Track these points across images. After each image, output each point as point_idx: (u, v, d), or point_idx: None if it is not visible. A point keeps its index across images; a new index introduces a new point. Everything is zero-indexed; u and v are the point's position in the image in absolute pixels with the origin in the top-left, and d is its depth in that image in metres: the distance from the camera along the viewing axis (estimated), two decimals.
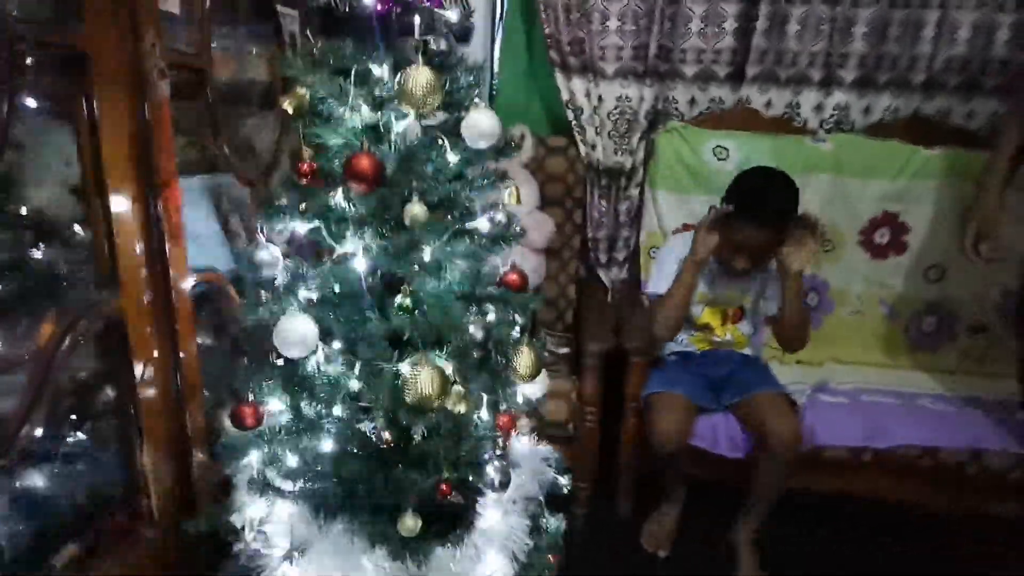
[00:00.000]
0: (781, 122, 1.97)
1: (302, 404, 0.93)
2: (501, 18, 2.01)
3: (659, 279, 1.60)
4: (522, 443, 1.12)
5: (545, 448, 1.17)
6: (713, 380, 1.60)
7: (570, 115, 1.98)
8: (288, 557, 0.85)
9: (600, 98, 1.97)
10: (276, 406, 0.96)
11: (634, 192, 2.04)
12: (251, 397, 0.95)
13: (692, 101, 2.02)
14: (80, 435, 0.87)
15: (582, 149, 2.00)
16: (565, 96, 1.96)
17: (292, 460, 0.91)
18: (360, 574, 0.84)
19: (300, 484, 0.89)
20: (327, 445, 0.91)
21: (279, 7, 1.19)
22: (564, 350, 1.87)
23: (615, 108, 1.98)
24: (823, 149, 1.91)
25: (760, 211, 1.41)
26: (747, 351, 1.69)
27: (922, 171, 1.87)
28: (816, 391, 1.63)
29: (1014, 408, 1.54)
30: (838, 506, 1.67)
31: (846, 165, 1.89)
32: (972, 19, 1.88)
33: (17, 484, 0.71)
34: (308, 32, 0.83)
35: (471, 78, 0.90)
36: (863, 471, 1.51)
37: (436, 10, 0.87)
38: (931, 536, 1.67)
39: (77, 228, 0.87)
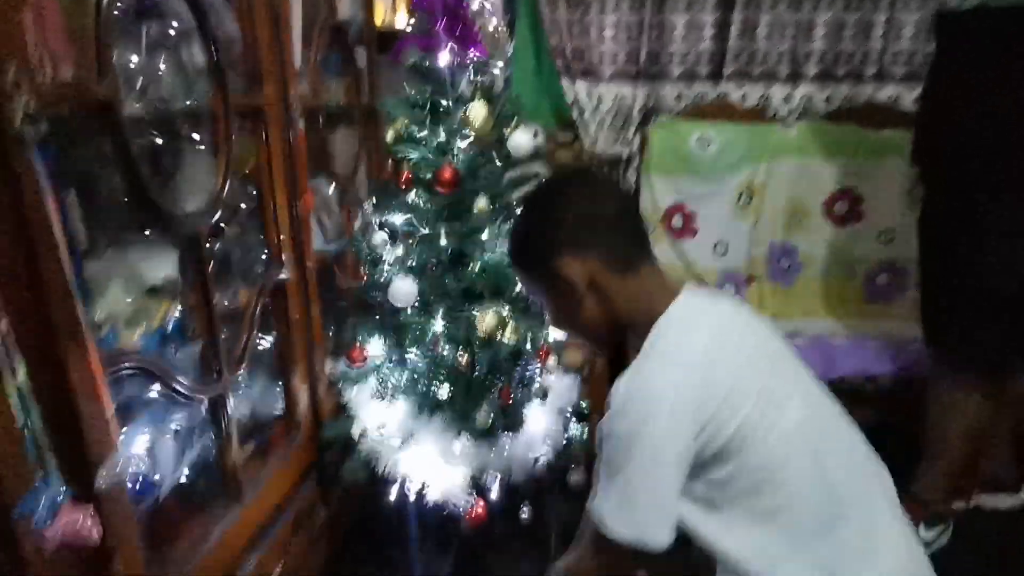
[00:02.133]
0: (755, 112, 2.32)
1: (399, 343, 1.32)
2: (513, 35, 2.36)
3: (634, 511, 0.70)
4: (554, 372, 1.50)
5: (570, 378, 1.55)
6: None
7: (575, 113, 2.33)
8: (403, 443, 1.24)
9: (600, 98, 2.33)
10: (377, 347, 1.35)
11: (631, 176, 2.41)
12: (358, 342, 1.34)
13: (678, 97, 2.37)
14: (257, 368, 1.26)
15: (586, 142, 2.36)
16: (570, 97, 2.32)
17: (397, 380, 1.30)
18: (451, 455, 1.23)
19: (405, 396, 1.28)
20: (420, 370, 1.30)
21: (355, 48, 1.55)
22: None
23: (612, 106, 2.33)
24: (790, 135, 2.26)
25: None
26: None
27: (875, 151, 2.23)
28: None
29: None
30: None
31: (810, 148, 2.25)
32: (915, 18, 2.22)
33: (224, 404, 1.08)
34: (406, 84, 1.19)
35: (511, 107, 1.27)
36: None
37: (487, 60, 1.24)
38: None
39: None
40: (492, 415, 1.24)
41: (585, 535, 0.76)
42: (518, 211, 0.87)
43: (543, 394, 1.35)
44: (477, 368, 1.27)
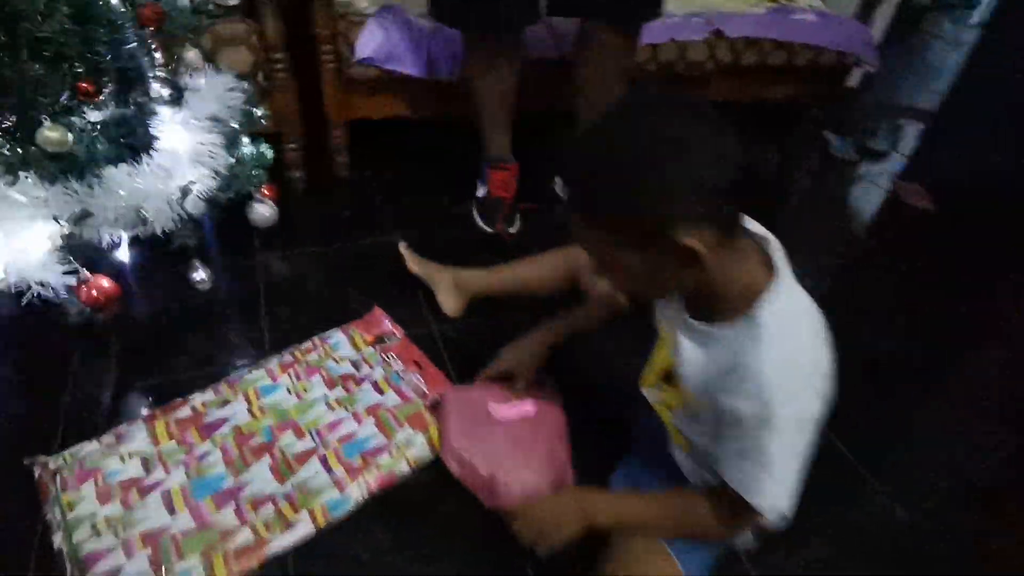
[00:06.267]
0: None
1: None
2: None
3: None
4: (198, 68, 0.96)
5: (229, 77, 1.03)
6: None
7: None
8: None
9: None
10: None
11: None
12: None
13: None
14: None
15: None
16: None
17: None
18: (14, 208, 0.70)
19: None
20: None
21: None
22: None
23: None
24: None
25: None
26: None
27: None
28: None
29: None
30: None
31: None
32: None
33: None
34: None
35: None
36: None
37: None
38: None
39: None
40: (73, 130, 0.71)
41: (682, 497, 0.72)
42: (599, 146, 0.58)
43: (173, 97, 0.84)
44: (16, 46, 0.68)
